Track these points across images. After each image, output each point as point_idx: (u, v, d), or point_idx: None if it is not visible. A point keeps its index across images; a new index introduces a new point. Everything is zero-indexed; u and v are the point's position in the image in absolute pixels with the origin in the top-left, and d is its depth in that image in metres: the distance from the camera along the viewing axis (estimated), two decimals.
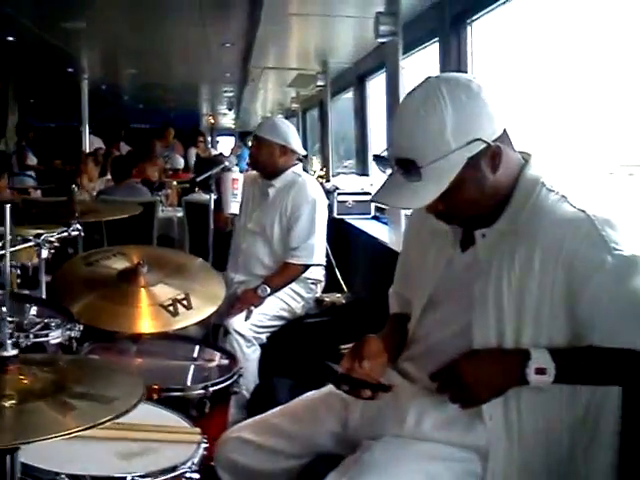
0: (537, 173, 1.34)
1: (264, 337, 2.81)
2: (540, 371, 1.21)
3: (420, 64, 3.64)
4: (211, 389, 1.80)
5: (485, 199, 1.31)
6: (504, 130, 1.30)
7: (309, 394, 1.61)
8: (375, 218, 4.17)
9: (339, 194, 4.21)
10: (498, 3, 2.66)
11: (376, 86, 4.71)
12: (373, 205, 4.15)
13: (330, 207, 3.90)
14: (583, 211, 1.24)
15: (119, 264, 2.18)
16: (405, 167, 1.26)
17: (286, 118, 9.02)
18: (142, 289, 2.04)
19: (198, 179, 3.21)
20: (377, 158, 1.42)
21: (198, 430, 1.50)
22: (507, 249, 1.30)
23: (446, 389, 1.29)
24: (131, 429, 1.42)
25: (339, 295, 3.24)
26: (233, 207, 3.01)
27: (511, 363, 1.25)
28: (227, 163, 3.09)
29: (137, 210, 2.73)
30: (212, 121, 13.58)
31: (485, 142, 1.24)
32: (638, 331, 1.20)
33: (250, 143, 3.18)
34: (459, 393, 1.27)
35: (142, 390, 1.18)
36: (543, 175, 1.33)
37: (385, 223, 3.79)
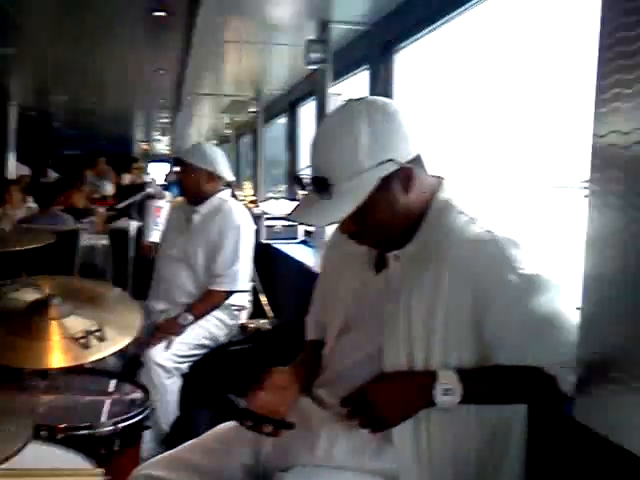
0: (449, 196, 1.35)
1: (185, 367, 2.71)
2: (447, 392, 1.21)
3: (357, 89, 3.67)
4: (120, 425, 1.69)
5: (397, 220, 1.31)
6: (418, 153, 1.31)
7: (222, 425, 1.55)
8: (303, 242, 4.16)
9: (267, 219, 4.19)
10: (424, 32, 2.72)
11: (309, 112, 4.74)
12: (301, 229, 4.15)
13: (258, 232, 3.87)
14: (490, 232, 1.26)
15: (30, 296, 2.05)
16: (319, 185, 1.26)
17: (220, 143, 9.00)
18: (53, 322, 1.91)
19: (117, 206, 3.13)
20: (295, 178, 1.42)
21: (101, 471, 1.39)
22: (418, 271, 1.30)
23: (356, 414, 1.26)
24: (24, 475, 1.30)
25: (264, 321, 3.19)
26: (154, 235, 2.94)
27: (419, 385, 1.24)
28: (150, 190, 3.02)
29: (51, 238, 2.61)
30: (146, 147, 13.38)
31: (398, 163, 1.24)
32: (541, 348, 1.22)
33: (177, 169, 3.14)
34: (368, 417, 1.24)
35: (30, 432, 1.10)
36: (454, 198, 1.35)
37: (313, 247, 3.78)
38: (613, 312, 1.09)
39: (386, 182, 1.25)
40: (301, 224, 3.81)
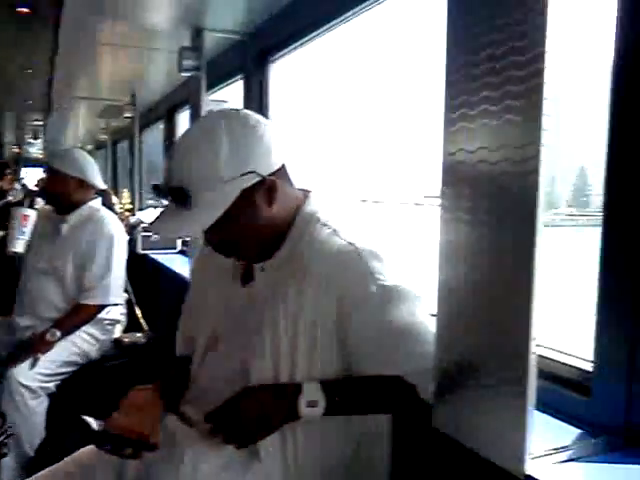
0: (314, 209, 1.37)
1: (52, 386, 2.57)
2: (311, 404, 1.22)
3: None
4: None
5: (261, 232, 1.31)
6: (283, 165, 1.31)
7: (84, 449, 1.49)
8: (182, 252, 4.06)
9: (144, 228, 4.06)
10: (298, 44, 2.76)
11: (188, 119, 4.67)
12: (180, 239, 4.06)
13: (134, 242, 3.74)
14: (352, 244, 1.28)
15: None
16: (177, 196, 1.24)
17: (97, 149, 8.64)
18: None
19: None
20: (155, 187, 1.38)
21: None
22: (283, 283, 1.30)
23: (220, 429, 1.25)
24: None
25: (140, 334, 3.08)
26: (18, 245, 2.78)
27: (283, 398, 1.24)
28: (10, 198, 2.85)
29: None
30: (18, 151, 12.64)
31: (260, 175, 1.24)
32: (401, 358, 1.25)
33: (44, 175, 2.98)
34: (233, 433, 1.24)
35: None
36: (319, 210, 1.37)
37: (190, 257, 3.70)
38: (466, 321, 1.14)
39: (248, 194, 1.25)
40: (174, 237, 3.74)
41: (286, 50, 2.87)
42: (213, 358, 1.42)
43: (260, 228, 1.30)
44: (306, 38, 2.67)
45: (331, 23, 2.46)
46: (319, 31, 2.55)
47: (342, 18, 2.39)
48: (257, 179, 1.24)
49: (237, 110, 1.35)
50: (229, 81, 3.52)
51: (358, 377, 1.28)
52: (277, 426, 1.25)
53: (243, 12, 2.77)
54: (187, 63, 3.04)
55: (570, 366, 1.32)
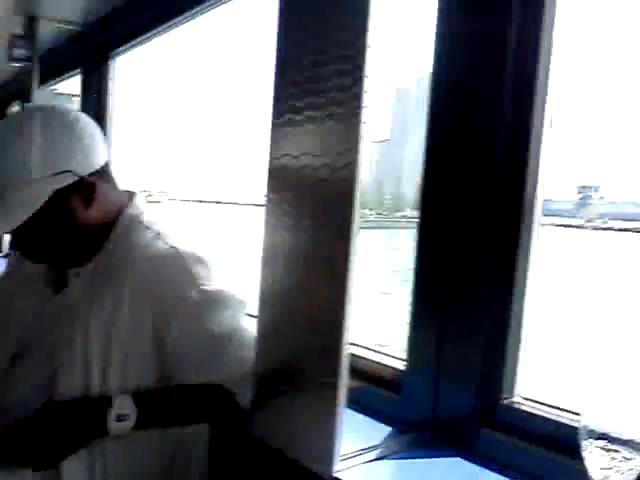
0: (138, 211, 1.31)
1: None
2: (121, 418, 1.14)
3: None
4: None
5: (76, 236, 1.24)
6: (105, 165, 1.25)
7: None
8: (7, 257, 3.77)
9: None
10: (139, 40, 2.67)
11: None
12: (7, 242, 3.77)
13: None
14: (174, 248, 1.23)
15: None
16: None
17: None
18: None
19: None
20: None
21: None
22: (98, 290, 1.22)
23: (14, 452, 1.13)
24: None
25: None
26: None
27: (90, 413, 1.15)
28: None
29: None
30: None
31: (77, 175, 1.17)
32: (220, 364, 1.21)
33: None
34: (28, 454, 1.13)
35: None
36: (144, 213, 1.31)
37: None
38: (284, 326, 1.14)
39: (62, 195, 1.17)
40: None
41: (128, 45, 2.77)
42: (17, 374, 1.28)
43: (75, 231, 1.23)
44: (149, 34, 2.58)
45: (174, 20, 2.40)
46: (162, 28, 2.48)
47: (186, 15, 2.34)
48: (73, 179, 1.18)
49: (54, 106, 1.27)
50: (67, 75, 3.35)
51: (174, 386, 1.22)
52: (82, 444, 1.15)
53: (82, 1, 2.63)
54: (18, 52, 2.86)
55: (385, 365, 1.36)
